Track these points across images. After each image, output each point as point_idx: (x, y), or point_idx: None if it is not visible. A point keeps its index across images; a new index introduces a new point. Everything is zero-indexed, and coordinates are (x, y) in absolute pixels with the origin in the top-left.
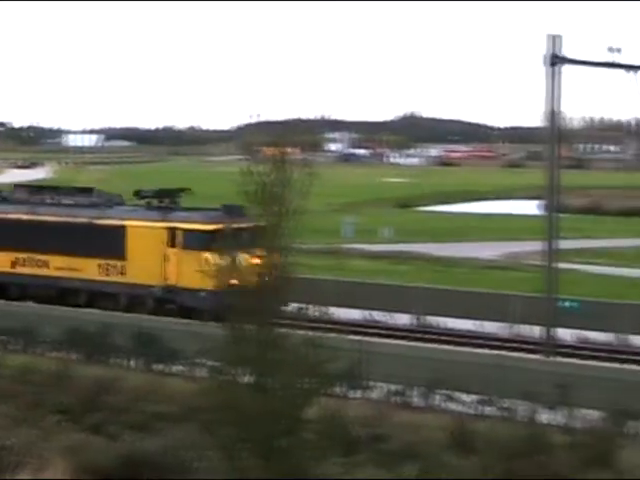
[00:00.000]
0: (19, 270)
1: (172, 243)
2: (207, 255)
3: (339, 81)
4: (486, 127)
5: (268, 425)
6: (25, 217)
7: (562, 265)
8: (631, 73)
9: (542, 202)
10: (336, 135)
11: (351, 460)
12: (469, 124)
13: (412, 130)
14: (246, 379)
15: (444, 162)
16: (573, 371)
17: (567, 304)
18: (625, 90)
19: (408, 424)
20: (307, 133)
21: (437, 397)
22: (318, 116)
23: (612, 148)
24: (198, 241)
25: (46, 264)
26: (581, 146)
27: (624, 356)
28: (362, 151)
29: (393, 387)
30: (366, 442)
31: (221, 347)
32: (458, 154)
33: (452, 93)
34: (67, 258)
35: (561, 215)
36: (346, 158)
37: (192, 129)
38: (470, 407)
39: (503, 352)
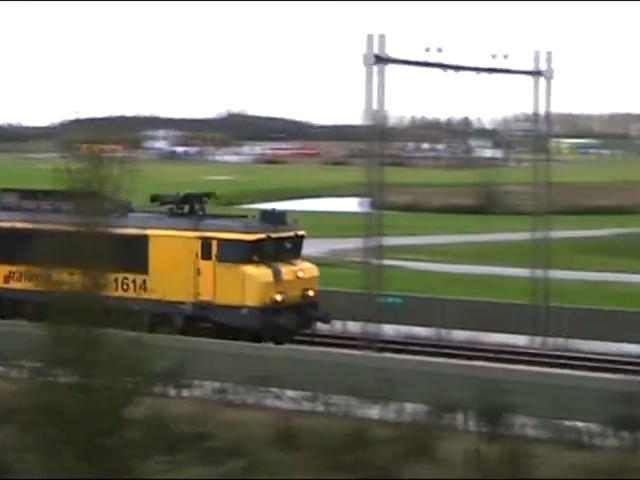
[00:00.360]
0: (13, 285)
1: (206, 255)
2: (248, 268)
3: (163, 78)
4: (310, 125)
5: (90, 425)
6: (24, 226)
7: (386, 261)
8: (449, 72)
9: (364, 199)
10: (160, 133)
11: (175, 458)
12: (293, 122)
13: (237, 128)
14: (67, 379)
15: (270, 160)
16: (396, 366)
17: (390, 300)
18: (444, 89)
19: (233, 422)
20: (128, 130)
21: (262, 394)
22: (141, 113)
23: (439, 147)
24: (237, 252)
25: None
26: (404, 144)
27: (446, 350)
28: (187, 149)
29: (218, 385)
30: (190, 440)
31: (41, 348)
32: (283, 152)
33: (276, 91)
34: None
35: (385, 212)
36: (170, 156)
37: (11, 126)
38: (295, 404)
39: (329, 349)
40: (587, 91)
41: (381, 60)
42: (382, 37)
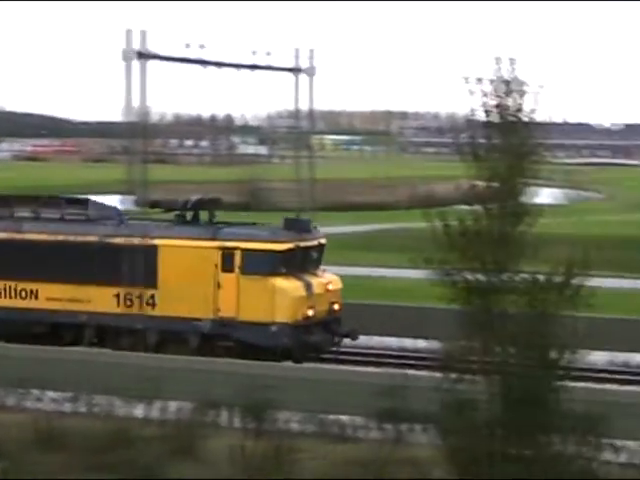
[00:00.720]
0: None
1: (227, 267)
2: (278, 281)
3: None
4: (69, 121)
5: None
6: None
7: None
8: (211, 68)
9: (126, 197)
10: None
11: None
12: (51, 118)
13: None
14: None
15: (29, 157)
16: (161, 364)
17: None
18: (207, 85)
19: None
20: None
21: (22, 396)
22: None
23: (202, 143)
24: (265, 264)
25: (36, 294)
26: (167, 141)
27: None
28: None
29: None
30: None
31: None
32: (44, 149)
33: (35, 87)
34: (67, 287)
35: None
36: None
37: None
38: (57, 405)
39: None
40: (349, 88)
41: (142, 56)
42: (143, 33)
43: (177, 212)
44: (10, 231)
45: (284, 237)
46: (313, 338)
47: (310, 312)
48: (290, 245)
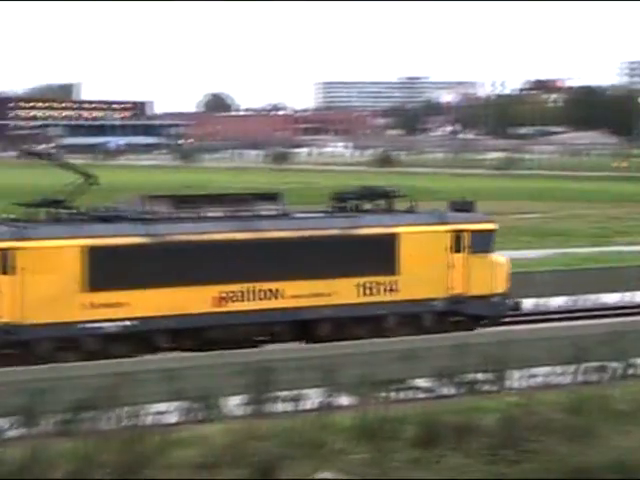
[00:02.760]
0: (229, 307)
1: (457, 248)
2: (494, 257)
3: None
4: None
5: None
6: (234, 237)
7: None
8: None
9: None
10: None
11: None
12: None
13: None
14: None
15: None
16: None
17: None
18: None
19: None
20: None
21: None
22: None
23: None
24: (485, 243)
25: (277, 294)
26: None
27: None
28: None
29: None
30: None
31: None
32: None
33: None
34: (309, 283)
35: None
36: None
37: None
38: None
39: None
40: None
41: None
42: None
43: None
44: (251, 231)
45: (488, 218)
46: (510, 305)
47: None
48: (497, 225)
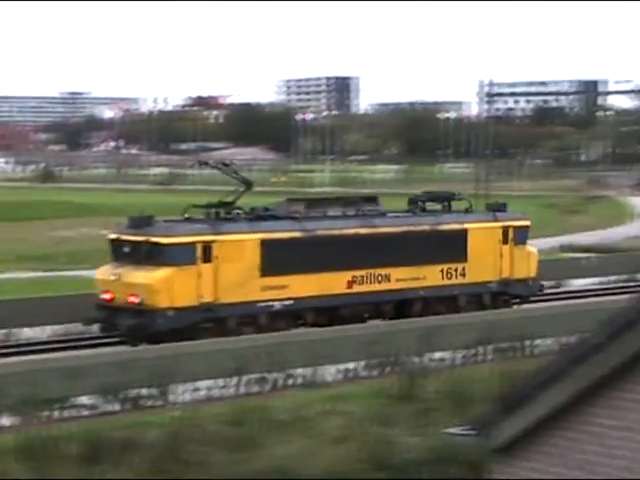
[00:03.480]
0: (356, 289)
1: (505, 240)
2: (529, 247)
3: None
4: None
5: None
6: (358, 232)
7: None
8: None
9: None
10: None
11: None
12: None
13: None
14: None
15: None
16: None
17: None
18: None
19: None
20: None
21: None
22: None
23: None
24: (523, 236)
25: (387, 278)
26: None
27: None
28: None
29: None
30: None
31: None
32: None
33: None
34: (409, 269)
35: None
36: None
37: None
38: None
39: None
40: None
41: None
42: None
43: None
44: (366, 227)
45: (525, 216)
46: (538, 286)
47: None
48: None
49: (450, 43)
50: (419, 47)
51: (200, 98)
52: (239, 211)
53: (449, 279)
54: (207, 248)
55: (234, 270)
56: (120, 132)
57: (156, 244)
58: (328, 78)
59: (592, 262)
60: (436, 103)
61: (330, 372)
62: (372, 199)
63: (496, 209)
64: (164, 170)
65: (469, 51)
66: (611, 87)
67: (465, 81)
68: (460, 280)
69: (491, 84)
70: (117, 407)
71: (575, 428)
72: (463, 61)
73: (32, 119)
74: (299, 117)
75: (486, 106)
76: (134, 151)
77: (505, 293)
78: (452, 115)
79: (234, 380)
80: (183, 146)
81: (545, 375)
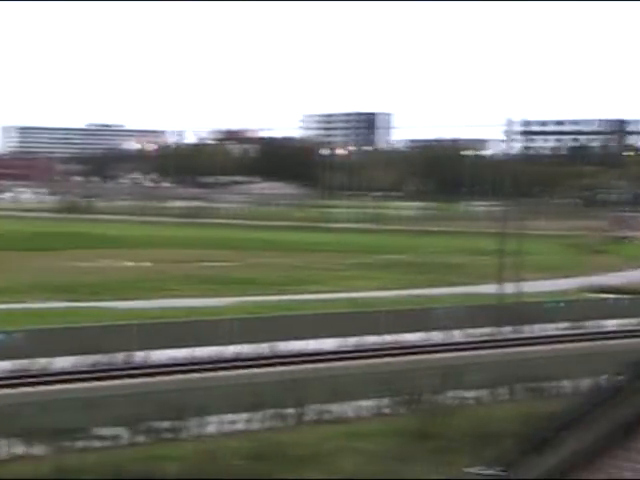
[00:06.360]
0: None
1: None
2: None
3: None
4: None
5: None
6: None
7: None
8: None
9: None
10: None
11: None
12: None
13: None
14: None
15: None
16: None
17: None
18: None
19: None
20: None
21: None
22: None
23: None
24: None
25: None
26: None
27: None
28: None
29: None
30: None
31: None
32: None
33: None
34: None
35: None
36: None
37: None
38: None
39: None
40: None
41: None
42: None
43: None
44: None
45: None
46: None
47: None
48: None
49: (484, 80)
50: (452, 84)
51: (229, 131)
52: None
53: None
54: None
55: None
56: (148, 164)
57: None
58: (359, 114)
59: (622, 303)
60: (463, 140)
61: (351, 407)
62: None
63: None
64: (189, 203)
65: (500, 88)
66: None
67: (493, 119)
68: None
69: (525, 123)
70: (136, 439)
71: (606, 470)
72: (494, 98)
73: (60, 150)
74: (326, 152)
75: (517, 144)
76: (165, 184)
77: None
78: (478, 153)
79: (255, 415)
80: (211, 179)
81: (575, 415)
